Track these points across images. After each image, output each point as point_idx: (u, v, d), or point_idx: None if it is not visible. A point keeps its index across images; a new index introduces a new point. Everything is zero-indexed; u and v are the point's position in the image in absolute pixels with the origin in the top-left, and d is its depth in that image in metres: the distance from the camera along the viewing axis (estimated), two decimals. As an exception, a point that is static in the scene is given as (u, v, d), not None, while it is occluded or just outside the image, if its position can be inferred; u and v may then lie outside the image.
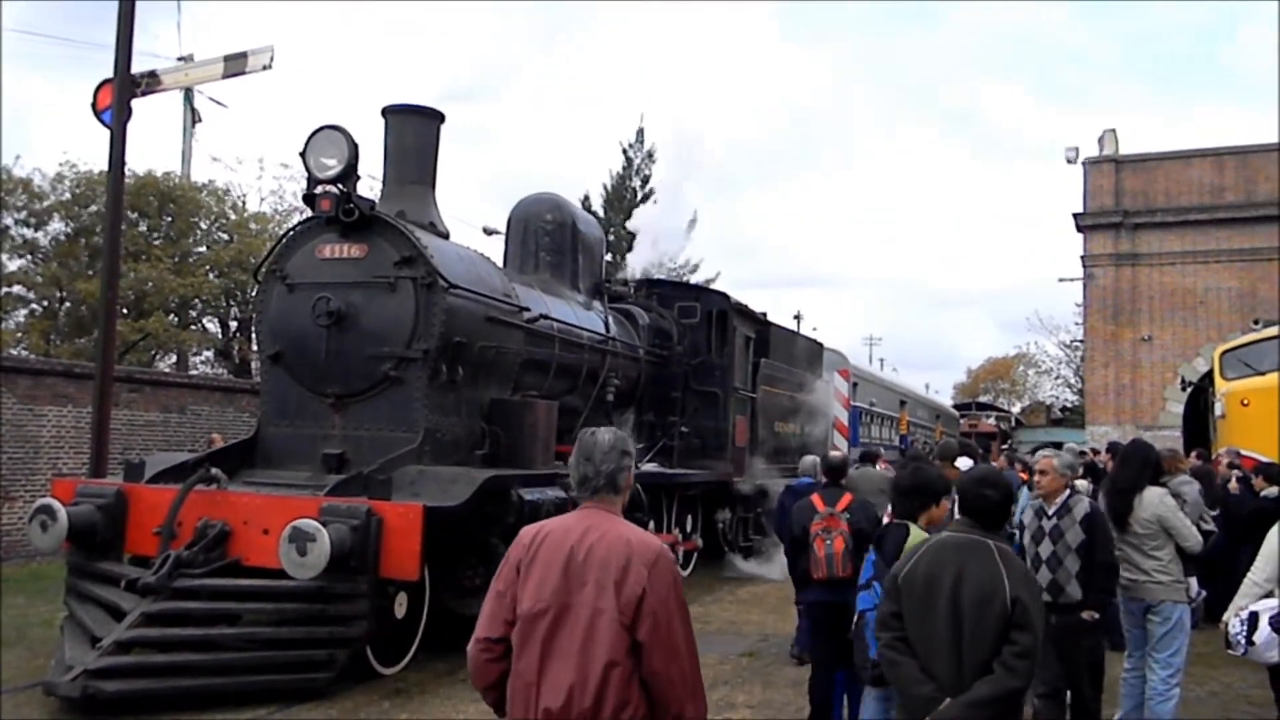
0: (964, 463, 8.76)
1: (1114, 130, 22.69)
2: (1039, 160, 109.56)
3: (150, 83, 10.73)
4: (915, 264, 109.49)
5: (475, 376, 8.50)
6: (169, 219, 21.80)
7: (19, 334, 21.70)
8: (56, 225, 21.57)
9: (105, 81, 10.36)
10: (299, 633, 6.59)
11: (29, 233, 21.57)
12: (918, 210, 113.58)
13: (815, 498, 6.03)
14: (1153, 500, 5.55)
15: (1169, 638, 5.50)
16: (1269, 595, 4.75)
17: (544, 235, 11.13)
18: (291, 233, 8.57)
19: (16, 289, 21.53)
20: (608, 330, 11.19)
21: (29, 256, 21.53)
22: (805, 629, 6.66)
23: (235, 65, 10.93)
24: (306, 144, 7.84)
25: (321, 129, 7.83)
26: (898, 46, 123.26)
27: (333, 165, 7.78)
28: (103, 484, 7.80)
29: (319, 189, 7.90)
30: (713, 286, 18.10)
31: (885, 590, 3.58)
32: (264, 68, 10.86)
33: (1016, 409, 57.70)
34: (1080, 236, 22.43)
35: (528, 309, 9.35)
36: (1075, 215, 22.37)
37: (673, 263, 26.32)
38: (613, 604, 2.63)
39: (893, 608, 3.48)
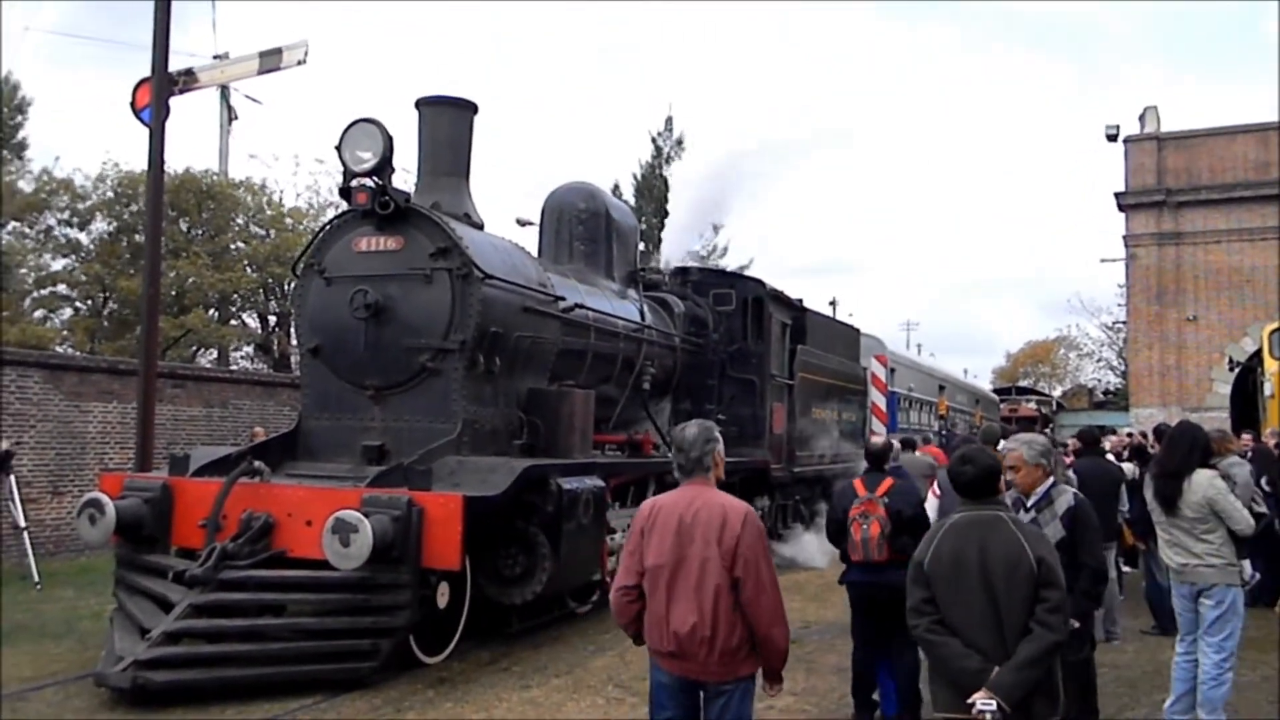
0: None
1: (1155, 107, 22.26)
2: (1079, 139, 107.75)
3: (187, 80, 10.88)
4: (953, 247, 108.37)
5: (512, 366, 8.52)
6: (207, 216, 22.06)
7: (64, 332, 22.09)
8: (99, 225, 21.90)
9: (143, 80, 10.49)
10: (343, 623, 6.66)
11: (73, 233, 21.94)
12: (955, 193, 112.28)
13: (857, 482, 6.03)
14: (1202, 483, 5.43)
15: (1221, 621, 5.39)
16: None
17: (578, 224, 11.10)
18: (328, 226, 8.62)
19: (60, 288, 21.90)
20: (643, 319, 11.15)
21: (73, 256, 21.88)
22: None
23: (270, 61, 11.05)
24: (342, 138, 7.88)
25: (356, 122, 7.87)
26: (931, 29, 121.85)
27: (368, 158, 7.82)
28: (149, 478, 7.90)
29: (355, 182, 7.93)
30: (747, 273, 17.98)
31: (912, 579, 3.63)
32: (299, 63, 10.96)
33: (1057, 392, 57.04)
34: (1122, 216, 22.04)
35: (563, 298, 9.34)
36: (1117, 194, 21.95)
37: (704, 249, 26.27)
38: (715, 552, 3.46)
39: (924, 594, 3.58)
